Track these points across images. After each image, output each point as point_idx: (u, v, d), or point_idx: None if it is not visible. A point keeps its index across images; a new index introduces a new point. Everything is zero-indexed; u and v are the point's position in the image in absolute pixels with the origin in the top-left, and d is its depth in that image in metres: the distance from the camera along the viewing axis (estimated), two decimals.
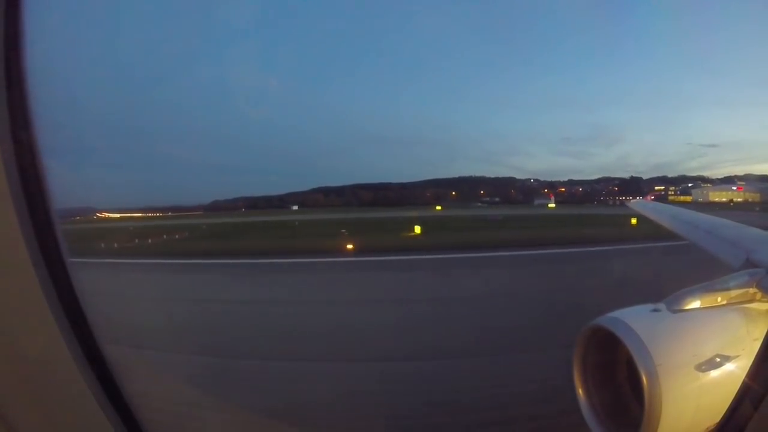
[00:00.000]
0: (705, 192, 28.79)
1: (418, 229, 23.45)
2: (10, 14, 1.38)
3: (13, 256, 1.35)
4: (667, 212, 5.56)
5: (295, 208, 32.94)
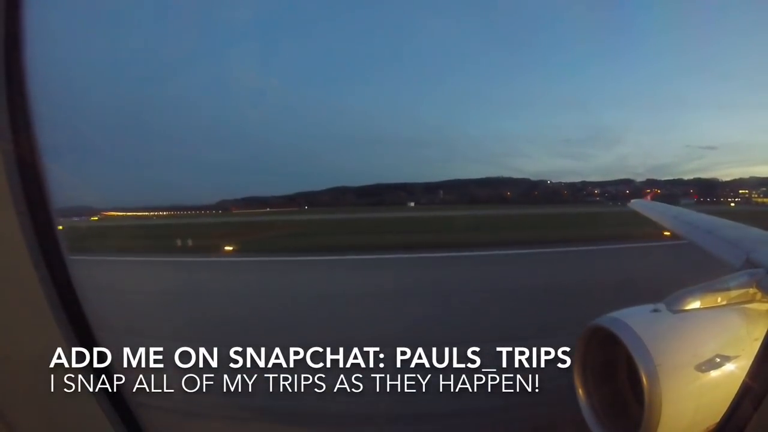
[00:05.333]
0: None
1: None
2: (11, 14, 1.38)
3: (13, 256, 1.35)
4: (667, 212, 5.57)
5: (412, 204, 30.60)
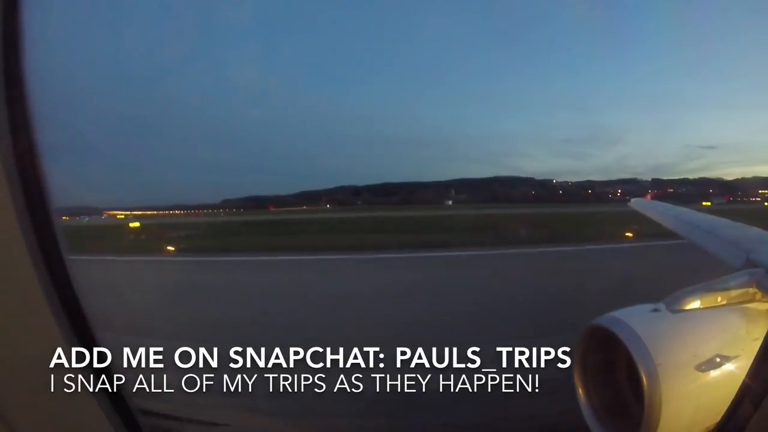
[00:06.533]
0: None
1: None
2: (10, 13, 1.38)
3: (13, 256, 1.35)
4: (667, 212, 5.56)
5: (450, 203, 30.81)
